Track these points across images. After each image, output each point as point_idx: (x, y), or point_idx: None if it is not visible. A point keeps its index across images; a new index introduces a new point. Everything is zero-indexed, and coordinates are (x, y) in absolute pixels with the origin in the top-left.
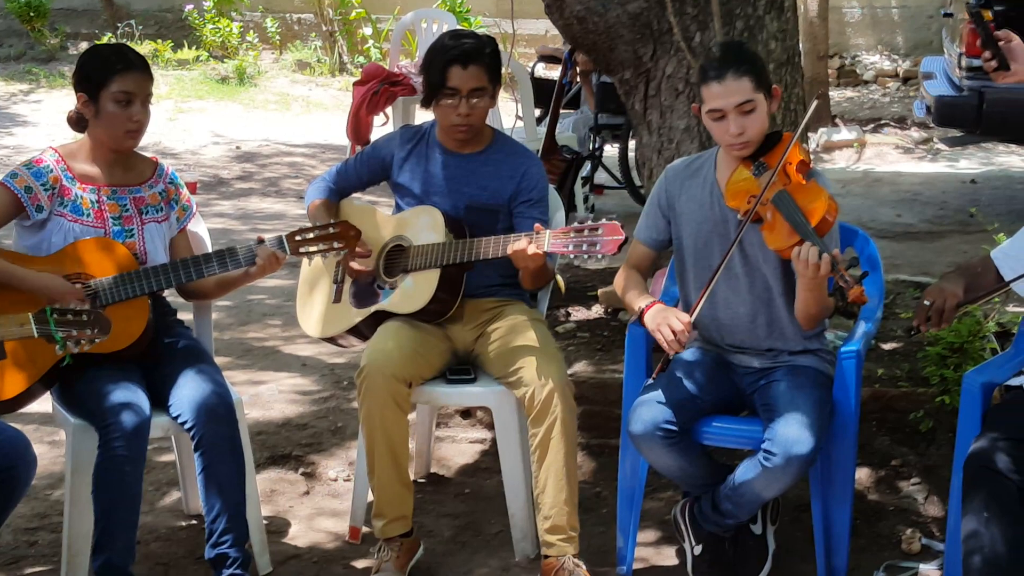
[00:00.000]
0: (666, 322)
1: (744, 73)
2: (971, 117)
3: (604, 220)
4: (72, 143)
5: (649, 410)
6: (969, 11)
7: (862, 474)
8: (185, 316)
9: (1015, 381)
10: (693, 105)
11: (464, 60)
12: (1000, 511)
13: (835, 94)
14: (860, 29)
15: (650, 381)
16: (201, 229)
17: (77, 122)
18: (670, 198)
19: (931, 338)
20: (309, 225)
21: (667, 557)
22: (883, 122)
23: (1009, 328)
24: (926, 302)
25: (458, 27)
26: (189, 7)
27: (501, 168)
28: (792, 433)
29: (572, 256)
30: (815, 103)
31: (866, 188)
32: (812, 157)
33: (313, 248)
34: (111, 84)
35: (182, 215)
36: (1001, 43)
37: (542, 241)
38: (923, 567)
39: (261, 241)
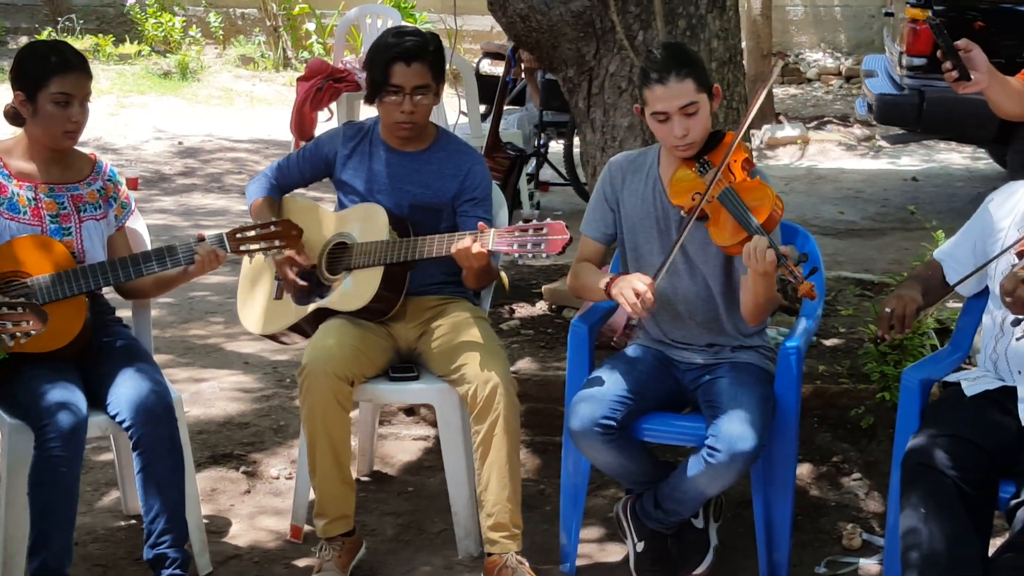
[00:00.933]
0: (628, 285)
1: (687, 75)
2: (912, 115)
3: (549, 219)
4: (8, 139)
5: (588, 406)
6: (930, 24)
7: (804, 470)
8: (124, 314)
9: (953, 377)
10: (635, 106)
11: (407, 57)
12: (937, 507)
13: (779, 91)
14: (803, 27)
15: (614, 341)
16: (140, 226)
17: (14, 117)
18: (615, 190)
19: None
20: (250, 223)
21: (610, 554)
22: (826, 119)
23: (948, 324)
24: (887, 310)
25: (402, 23)
26: (131, 1)
27: (445, 166)
28: (736, 430)
29: (516, 255)
30: (758, 103)
31: (809, 185)
32: (755, 154)
33: (254, 246)
34: (50, 84)
35: (121, 213)
36: (961, 53)
37: (486, 240)
38: (864, 562)
39: (201, 239)
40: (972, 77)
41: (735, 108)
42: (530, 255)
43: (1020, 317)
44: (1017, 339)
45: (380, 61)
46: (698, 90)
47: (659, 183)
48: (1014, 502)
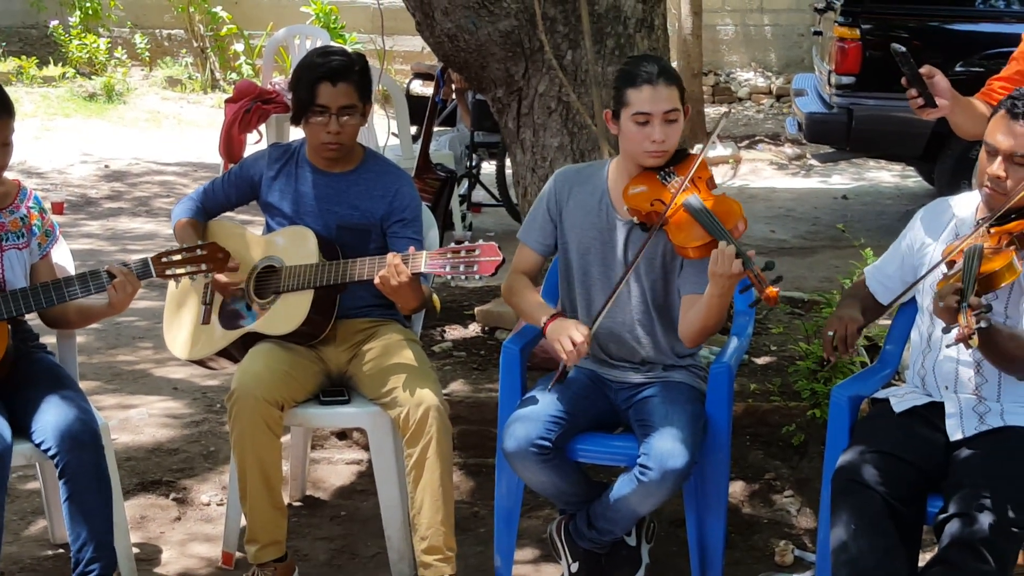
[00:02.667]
0: (566, 333)
1: (673, 83)
2: (841, 133)
3: (482, 241)
4: None
5: (523, 427)
6: (895, 52)
7: (736, 488)
8: (49, 340)
9: (882, 394)
10: (606, 111)
11: (333, 77)
12: (867, 523)
13: (710, 111)
14: (733, 47)
15: (550, 388)
16: (65, 256)
17: None
18: (559, 203)
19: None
20: (176, 247)
21: (545, 575)
22: (757, 138)
23: (877, 341)
24: (829, 333)
25: (330, 44)
26: (54, 23)
27: (372, 188)
28: (667, 447)
29: (449, 277)
30: (723, 118)
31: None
32: None
33: (180, 270)
34: None
35: (44, 241)
36: (925, 79)
37: (419, 262)
38: None
39: (126, 265)
40: (937, 103)
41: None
42: (463, 276)
43: (952, 326)
44: (948, 346)
45: (306, 81)
46: (681, 100)
47: (607, 196)
48: (942, 516)
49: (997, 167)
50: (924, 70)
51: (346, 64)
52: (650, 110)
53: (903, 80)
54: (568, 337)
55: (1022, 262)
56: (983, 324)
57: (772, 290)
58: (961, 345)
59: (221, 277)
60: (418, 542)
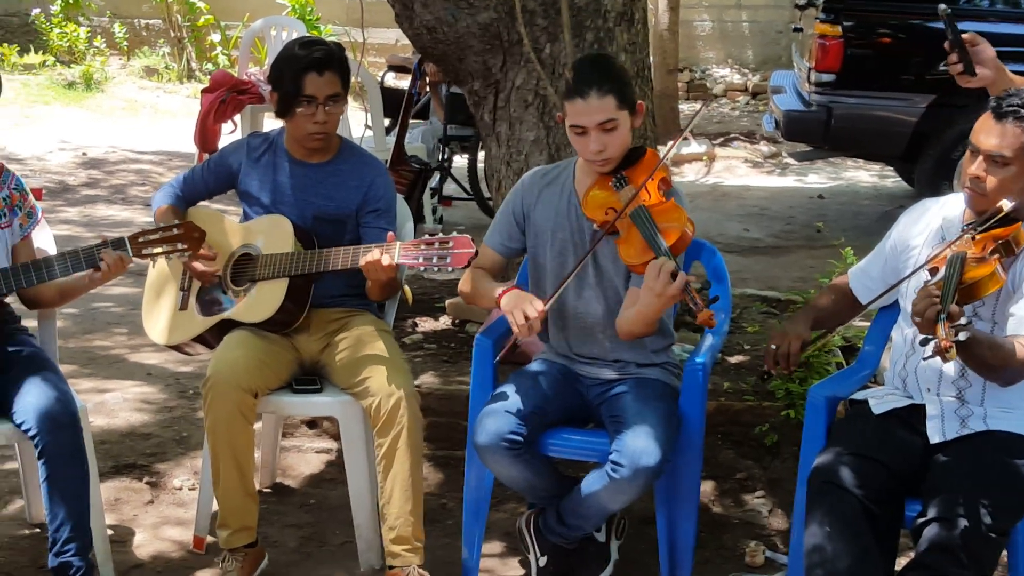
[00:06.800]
0: (520, 306)
1: (608, 91)
2: (819, 132)
3: (455, 233)
4: None
5: (494, 421)
6: (941, 12)
7: (707, 487)
8: (29, 323)
9: (860, 395)
10: (558, 114)
11: (319, 67)
12: (842, 525)
13: (685, 107)
14: (710, 43)
15: (496, 359)
16: (46, 240)
17: None
18: (526, 207)
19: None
20: (153, 227)
21: (512, 568)
22: (732, 136)
23: (854, 342)
24: (772, 346)
25: (306, 35)
26: (36, 11)
27: (348, 178)
28: (640, 445)
29: (422, 268)
30: (697, 115)
31: (714, 202)
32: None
33: (157, 249)
34: None
35: (26, 222)
36: (968, 46)
37: (392, 252)
38: None
39: (104, 243)
40: (977, 72)
41: (642, 123)
42: (435, 268)
43: (928, 336)
44: (924, 358)
45: (291, 72)
46: (619, 107)
47: (574, 196)
48: (920, 520)
49: (977, 167)
50: (968, 36)
51: (329, 53)
52: (583, 123)
53: (945, 44)
54: (522, 310)
55: (1007, 271)
56: (961, 337)
57: (706, 313)
58: (939, 357)
59: (198, 265)
60: (387, 531)
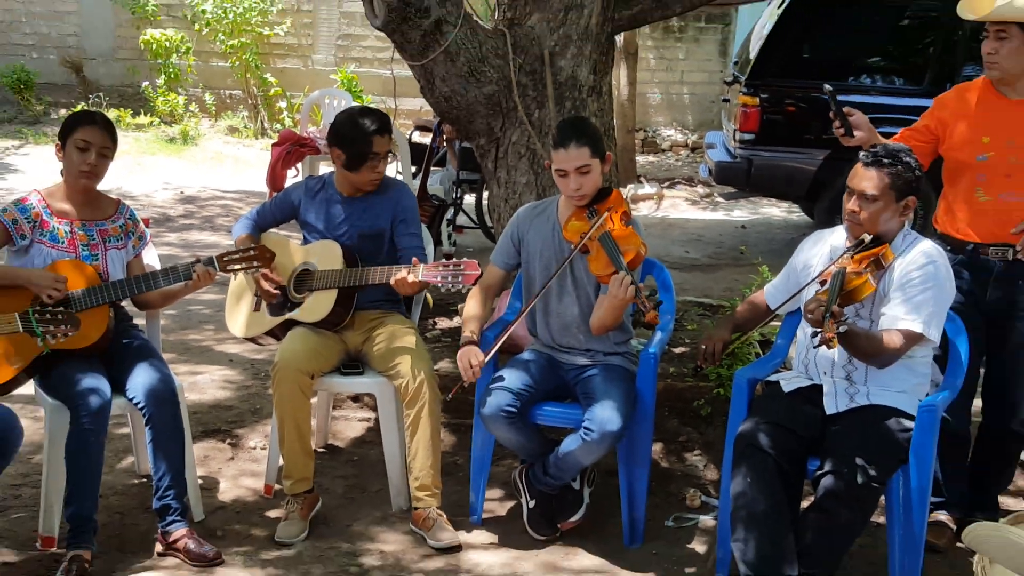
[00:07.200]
0: (466, 357)
1: (584, 144)
2: (742, 178)
3: (465, 259)
4: (52, 186)
5: (495, 396)
6: (826, 91)
7: (657, 447)
8: (139, 321)
9: (774, 377)
10: (546, 162)
11: (384, 130)
12: (759, 477)
13: (640, 159)
14: (659, 110)
15: (448, 398)
16: (153, 257)
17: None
18: (521, 233)
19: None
20: (235, 248)
21: (508, 509)
22: (676, 180)
23: (768, 337)
24: (702, 347)
25: (354, 104)
26: (145, 84)
27: (382, 201)
28: (606, 415)
29: (439, 284)
30: (637, 180)
31: (662, 231)
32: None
33: (237, 266)
34: (75, 132)
35: (138, 243)
36: (848, 116)
37: (417, 272)
38: (703, 518)
39: (197, 260)
40: (855, 134)
41: (605, 175)
42: (451, 286)
43: (817, 330)
44: (814, 347)
45: (362, 136)
46: (592, 156)
47: (557, 224)
48: (818, 473)
49: (852, 203)
50: (847, 109)
51: (386, 119)
52: (565, 167)
53: (830, 113)
54: (467, 360)
55: (877, 281)
56: (841, 329)
57: (652, 314)
58: (824, 347)
59: (265, 284)
60: (412, 481)
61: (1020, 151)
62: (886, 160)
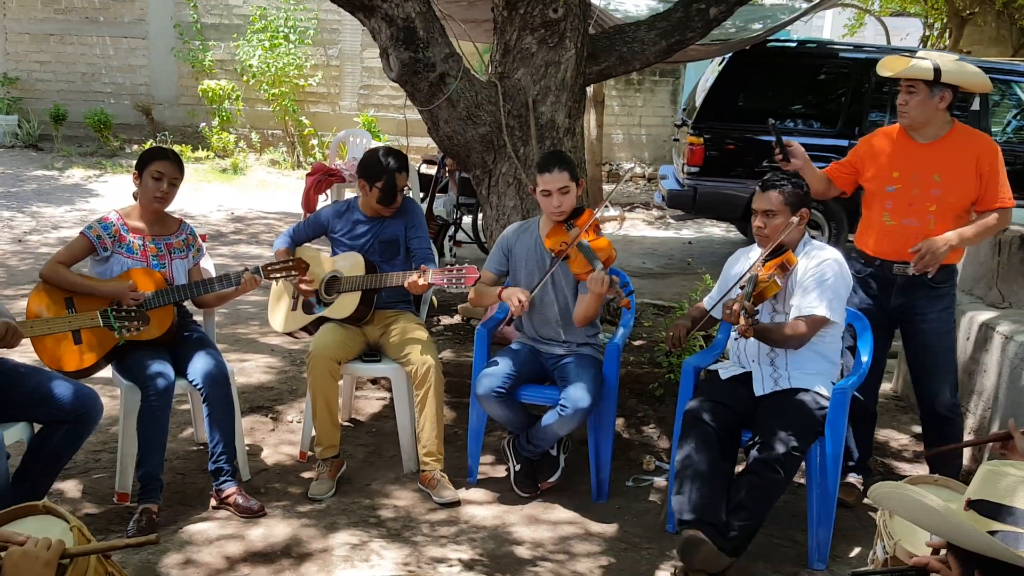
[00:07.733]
0: (515, 294)
1: (564, 169)
2: (689, 203)
3: (466, 265)
4: (128, 207)
5: (488, 380)
6: (770, 125)
7: (620, 422)
8: (198, 317)
9: (714, 367)
10: (530, 187)
11: (405, 169)
12: (702, 445)
13: (606, 187)
14: (622, 147)
15: (504, 325)
16: (209, 265)
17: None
18: (509, 245)
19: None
20: (277, 260)
21: (498, 472)
22: (636, 205)
23: (711, 333)
24: (669, 334)
25: (374, 143)
26: (202, 125)
27: (397, 215)
28: (578, 394)
29: (444, 286)
30: (609, 196)
31: (624, 246)
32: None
33: (278, 274)
34: (151, 164)
35: (196, 255)
36: (788, 147)
37: (426, 276)
38: (656, 479)
39: (246, 269)
40: (792, 161)
41: (579, 197)
42: (453, 286)
43: (735, 326)
44: (735, 339)
45: (391, 175)
46: (570, 179)
47: (539, 238)
48: (749, 443)
49: (758, 220)
50: (786, 140)
51: (406, 159)
52: (549, 188)
53: (772, 143)
54: (516, 296)
55: (784, 280)
56: (753, 322)
57: (625, 299)
58: (742, 337)
59: (303, 285)
60: (420, 448)
61: (922, 185)
62: (778, 182)
